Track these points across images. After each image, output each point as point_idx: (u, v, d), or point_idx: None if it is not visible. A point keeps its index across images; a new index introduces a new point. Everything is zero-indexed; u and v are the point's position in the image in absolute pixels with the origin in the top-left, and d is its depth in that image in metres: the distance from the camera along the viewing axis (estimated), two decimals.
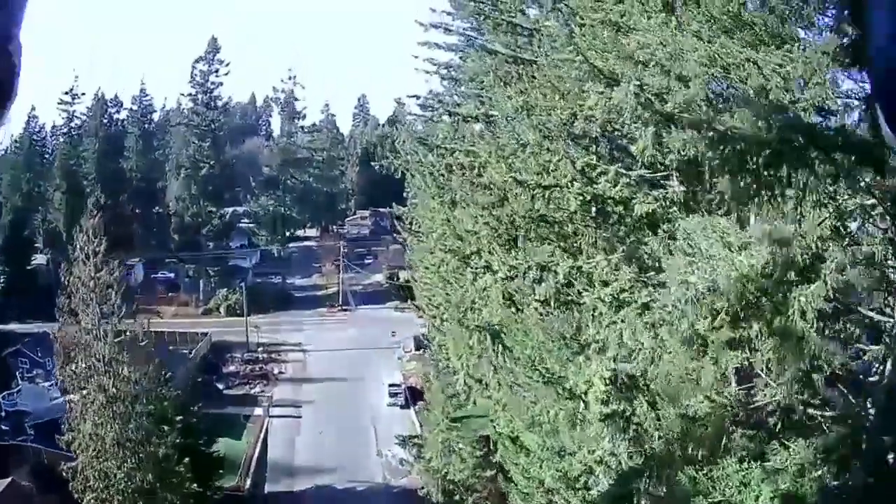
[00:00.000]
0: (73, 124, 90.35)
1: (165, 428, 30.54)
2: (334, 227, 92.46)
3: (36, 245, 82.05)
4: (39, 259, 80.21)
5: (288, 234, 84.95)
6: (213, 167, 78.33)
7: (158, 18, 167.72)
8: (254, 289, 72.61)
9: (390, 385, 50.34)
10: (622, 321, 15.36)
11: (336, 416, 47.35)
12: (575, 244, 16.55)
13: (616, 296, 15.05)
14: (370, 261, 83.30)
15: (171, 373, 32.45)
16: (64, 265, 34.69)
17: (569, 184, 14.41)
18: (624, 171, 14.97)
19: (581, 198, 14.20)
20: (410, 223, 34.20)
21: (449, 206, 26.89)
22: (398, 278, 76.56)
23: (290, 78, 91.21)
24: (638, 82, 12.81)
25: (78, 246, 31.98)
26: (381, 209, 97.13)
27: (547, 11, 24.66)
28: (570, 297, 16.79)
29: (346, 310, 69.53)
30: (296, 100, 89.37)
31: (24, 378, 53.71)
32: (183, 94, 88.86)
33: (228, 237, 79.72)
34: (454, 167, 26.25)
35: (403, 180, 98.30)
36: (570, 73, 15.53)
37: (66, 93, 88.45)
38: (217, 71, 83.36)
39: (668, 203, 15.41)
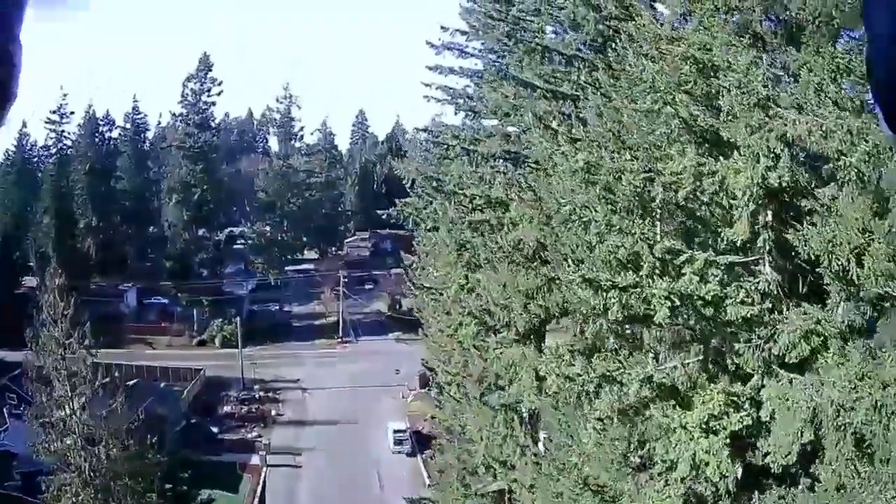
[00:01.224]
0: (62, 144, 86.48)
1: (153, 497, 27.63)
2: (333, 248, 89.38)
3: (30, 265, 78.55)
4: (31, 281, 76.85)
5: (285, 258, 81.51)
6: (205, 191, 75.05)
7: (153, 31, 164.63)
8: (250, 318, 69.61)
9: (395, 431, 47.21)
10: (706, 450, 12.37)
11: (338, 465, 44.24)
12: (643, 345, 13.58)
13: (704, 423, 12.03)
14: (370, 286, 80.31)
15: (156, 439, 29.15)
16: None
17: (651, 281, 11.32)
18: (714, 259, 11.94)
19: (669, 301, 11.10)
20: (418, 271, 31.16)
21: (470, 268, 23.86)
22: (400, 306, 73.68)
23: (286, 97, 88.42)
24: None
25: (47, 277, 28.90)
26: (381, 230, 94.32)
27: (586, 38, 21.84)
28: (635, 408, 13.77)
29: (346, 342, 66.45)
30: (292, 120, 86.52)
31: (11, 415, 49.34)
32: (174, 115, 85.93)
33: (222, 264, 76.67)
34: (477, 224, 23.25)
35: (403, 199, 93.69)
36: (652, 126, 12.48)
37: (54, 111, 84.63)
38: (209, 90, 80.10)
39: (761, 298, 12.41)
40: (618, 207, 12.89)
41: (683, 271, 11.86)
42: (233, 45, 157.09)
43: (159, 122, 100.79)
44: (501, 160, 25.75)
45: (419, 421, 47.37)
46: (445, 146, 28.25)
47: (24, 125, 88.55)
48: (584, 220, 12.80)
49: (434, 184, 27.69)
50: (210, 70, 79.69)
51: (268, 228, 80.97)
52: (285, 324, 70.34)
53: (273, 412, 53.38)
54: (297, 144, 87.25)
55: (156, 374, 58.46)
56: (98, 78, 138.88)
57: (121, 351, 64.03)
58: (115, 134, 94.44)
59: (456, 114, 28.93)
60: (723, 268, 12.05)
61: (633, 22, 14.23)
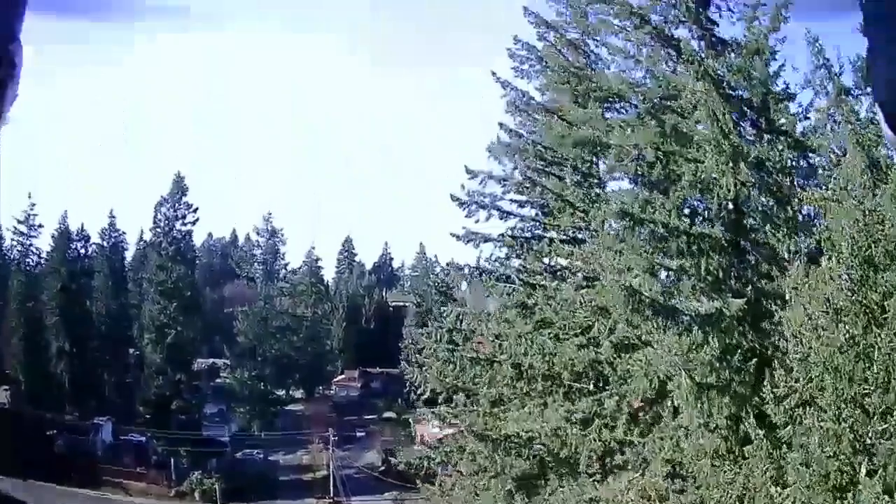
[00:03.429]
0: (29, 259, 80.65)
1: None
2: (321, 388, 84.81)
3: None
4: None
5: (268, 408, 75.85)
6: (181, 331, 70.22)
7: (130, 141, 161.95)
8: (232, 468, 64.34)
9: None
10: None
11: None
12: None
13: None
14: (361, 434, 75.63)
15: None
16: None
17: None
18: None
19: None
20: None
21: None
22: (395, 457, 69.03)
23: (268, 229, 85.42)
24: None
25: None
26: (371, 369, 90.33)
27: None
28: None
29: (338, 502, 61.37)
30: (276, 257, 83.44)
31: None
32: (146, 243, 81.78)
33: (201, 408, 71.47)
34: None
35: (392, 338, 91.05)
36: None
37: (21, 222, 78.84)
38: (184, 217, 76.37)
39: None
40: None
41: None
42: (213, 158, 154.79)
43: (140, 239, 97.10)
44: None
45: None
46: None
47: None
48: None
49: None
50: (184, 194, 75.94)
51: (247, 376, 75.58)
52: (271, 477, 65.04)
53: None
54: (281, 284, 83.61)
55: None
56: (70, 187, 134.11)
57: (96, 493, 58.96)
58: (90, 251, 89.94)
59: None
60: None
61: None
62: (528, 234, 25.26)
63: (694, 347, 16.22)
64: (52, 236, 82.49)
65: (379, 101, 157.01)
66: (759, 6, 18.13)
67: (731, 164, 17.12)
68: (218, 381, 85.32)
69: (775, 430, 14.52)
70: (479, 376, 25.01)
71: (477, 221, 25.17)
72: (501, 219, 25.33)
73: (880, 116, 1.27)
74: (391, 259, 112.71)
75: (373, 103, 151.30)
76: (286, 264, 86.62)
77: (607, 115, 22.36)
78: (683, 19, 18.97)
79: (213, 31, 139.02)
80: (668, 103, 19.79)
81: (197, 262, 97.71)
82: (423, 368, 28.18)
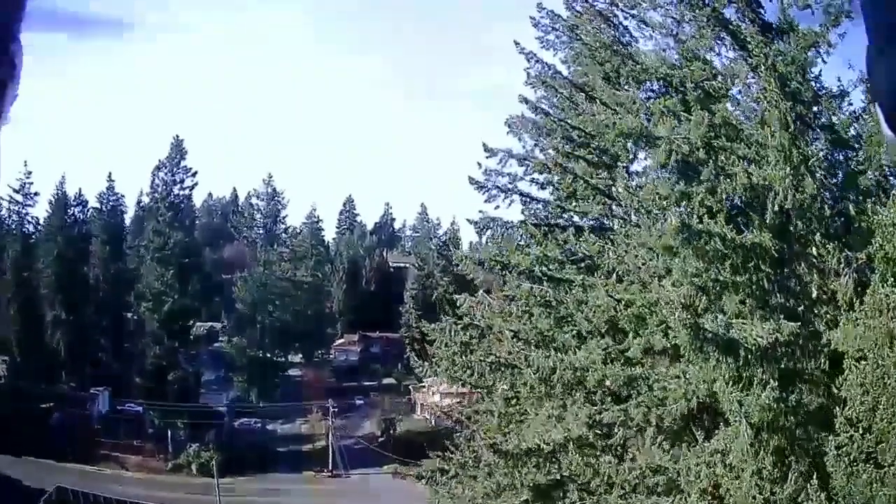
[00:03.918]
0: (25, 228, 78.76)
1: None
2: (320, 352, 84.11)
3: None
4: None
5: (267, 377, 75.09)
6: (178, 299, 69.20)
7: (135, 100, 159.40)
8: (230, 438, 64.20)
9: None
10: None
11: None
12: None
13: None
14: (360, 402, 75.18)
15: None
16: None
17: None
18: None
19: None
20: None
21: None
22: (394, 430, 68.65)
23: (267, 192, 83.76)
24: None
25: None
26: (371, 333, 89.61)
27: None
28: None
29: (336, 475, 61.00)
30: (276, 221, 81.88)
31: None
32: (143, 208, 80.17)
33: (198, 380, 70.82)
34: None
35: (392, 301, 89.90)
36: None
37: (17, 190, 76.88)
38: (182, 181, 74.66)
39: None
40: None
41: None
42: (214, 118, 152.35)
43: (139, 201, 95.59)
44: None
45: None
46: None
47: None
48: None
49: None
50: (183, 157, 74.09)
51: (246, 343, 74.79)
52: (269, 449, 64.72)
53: None
54: (281, 249, 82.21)
55: None
56: (69, 150, 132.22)
57: (92, 469, 58.75)
58: (88, 215, 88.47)
59: None
60: None
61: None
62: (551, 222, 23.33)
63: (749, 384, 15.19)
64: (49, 202, 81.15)
65: (381, 63, 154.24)
66: None
67: (795, 173, 16.09)
68: (216, 345, 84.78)
69: (829, 483, 13.59)
70: (497, 381, 23.59)
71: (497, 207, 23.73)
72: (523, 203, 23.59)
73: (880, 116, 1.27)
74: (392, 219, 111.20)
75: (375, 66, 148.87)
76: (286, 228, 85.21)
77: (640, 95, 20.77)
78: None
79: None
80: (715, 89, 18.70)
81: (196, 222, 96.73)
82: (434, 364, 26.21)
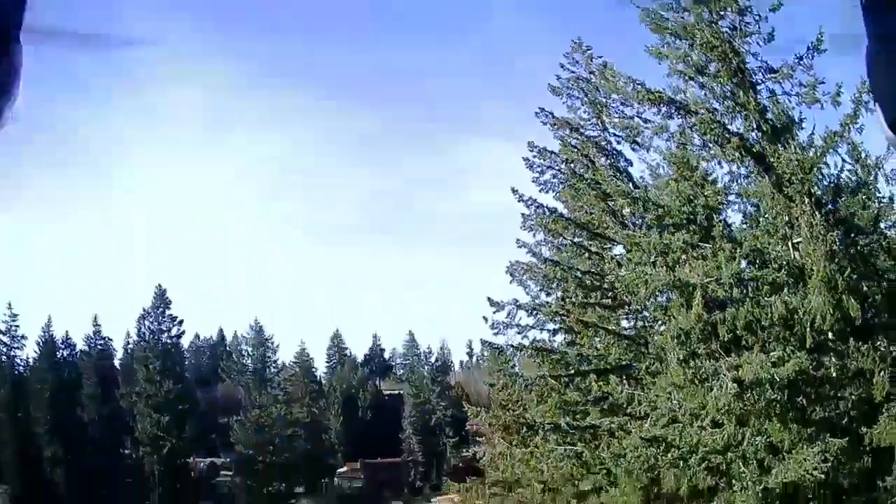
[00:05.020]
0: (16, 371, 78.63)
1: None
2: (324, 480, 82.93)
3: None
4: None
5: None
6: (176, 442, 68.78)
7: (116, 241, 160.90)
8: None
9: None
10: None
11: None
12: None
13: None
14: None
15: None
16: None
17: None
18: None
19: None
20: None
21: None
22: None
23: (256, 338, 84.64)
24: None
25: None
26: (371, 460, 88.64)
27: None
28: None
29: None
30: (265, 366, 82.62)
31: None
32: (132, 356, 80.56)
33: None
34: None
35: (390, 428, 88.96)
36: None
37: (3, 333, 77.38)
38: (169, 330, 75.69)
39: None
40: None
41: None
42: (196, 259, 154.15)
43: (127, 343, 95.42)
44: None
45: None
46: None
47: None
48: None
49: None
50: (168, 306, 75.53)
51: (249, 483, 73.71)
52: None
53: None
54: (275, 392, 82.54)
55: None
56: (53, 293, 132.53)
57: None
58: (76, 357, 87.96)
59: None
60: None
61: None
62: (571, 371, 22.33)
63: None
64: (37, 343, 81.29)
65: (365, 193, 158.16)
66: (817, 84, 17.51)
67: (838, 301, 16.12)
68: (219, 479, 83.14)
69: None
70: None
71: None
72: (538, 356, 23.12)
73: (880, 117, 1.29)
74: (382, 350, 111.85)
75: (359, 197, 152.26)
76: (278, 371, 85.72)
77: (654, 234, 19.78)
78: (738, 109, 17.88)
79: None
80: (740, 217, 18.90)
81: (186, 363, 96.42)
82: None
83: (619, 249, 22.28)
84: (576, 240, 23.31)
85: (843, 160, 18.25)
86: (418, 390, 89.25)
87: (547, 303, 23.30)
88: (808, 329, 16.50)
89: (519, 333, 23.40)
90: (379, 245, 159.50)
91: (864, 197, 18.25)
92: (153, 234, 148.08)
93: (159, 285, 75.35)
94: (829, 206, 17.78)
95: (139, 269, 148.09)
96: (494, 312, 22.92)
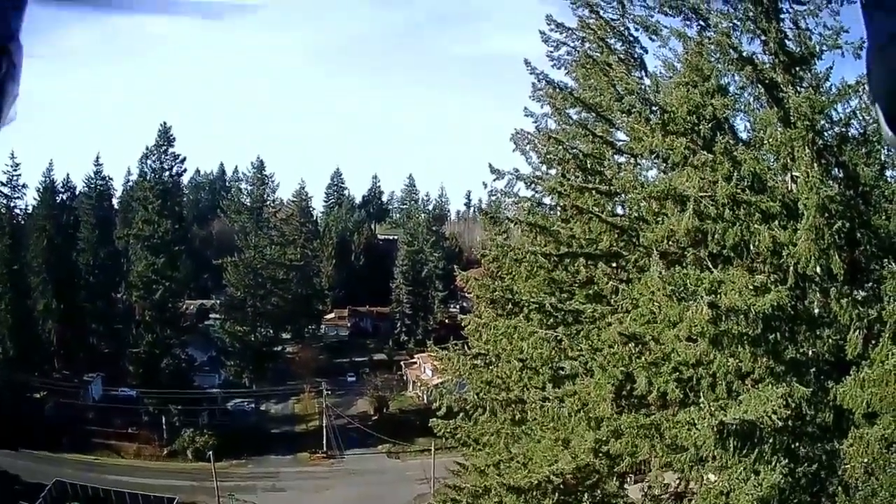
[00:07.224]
0: (15, 220, 78.27)
1: None
2: (311, 327, 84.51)
3: None
4: None
5: (259, 359, 75.25)
6: (168, 286, 69.22)
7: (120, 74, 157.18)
8: (223, 420, 65.09)
9: None
10: None
11: None
12: None
13: None
14: (352, 378, 75.91)
15: None
16: None
17: None
18: None
19: None
20: None
21: None
22: (387, 408, 69.40)
23: (257, 176, 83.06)
24: None
25: None
26: (360, 307, 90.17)
27: None
28: None
29: (331, 457, 61.73)
30: (263, 205, 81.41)
31: None
32: (131, 197, 79.60)
33: (191, 364, 71.00)
34: None
35: (381, 276, 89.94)
36: None
37: (4, 184, 76.50)
38: (171, 168, 74.04)
39: None
40: None
41: None
42: (201, 94, 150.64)
43: (127, 181, 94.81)
44: None
45: None
46: None
47: None
48: None
49: None
50: (171, 144, 73.13)
51: (237, 328, 74.94)
52: (263, 430, 65.41)
53: None
54: (272, 233, 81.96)
55: (125, 499, 53.78)
56: (56, 136, 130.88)
57: (88, 458, 59.27)
58: (76, 200, 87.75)
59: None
60: None
61: None
62: (562, 251, 21.77)
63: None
64: (37, 189, 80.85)
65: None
66: (841, 31, 16.64)
67: (823, 252, 15.95)
68: (208, 322, 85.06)
69: None
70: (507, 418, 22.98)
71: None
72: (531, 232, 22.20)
73: (880, 115, 1.27)
74: (381, 192, 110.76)
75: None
76: (276, 210, 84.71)
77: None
78: (754, 32, 17.38)
79: None
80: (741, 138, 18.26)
81: (184, 200, 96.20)
82: (443, 395, 25.65)
83: (621, 135, 21.79)
84: (582, 116, 22.55)
85: (854, 113, 17.64)
86: (413, 238, 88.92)
87: (547, 173, 22.84)
88: (791, 269, 16.51)
89: (516, 204, 23.08)
90: (387, 83, 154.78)
91: (869, 150, 17.92)
92: (160, 71, 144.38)
93: (164, 123, 73.44)
94: (832, 156, 17.39)
95: (145, 108, 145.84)
96: (494, 180, 22.35)
